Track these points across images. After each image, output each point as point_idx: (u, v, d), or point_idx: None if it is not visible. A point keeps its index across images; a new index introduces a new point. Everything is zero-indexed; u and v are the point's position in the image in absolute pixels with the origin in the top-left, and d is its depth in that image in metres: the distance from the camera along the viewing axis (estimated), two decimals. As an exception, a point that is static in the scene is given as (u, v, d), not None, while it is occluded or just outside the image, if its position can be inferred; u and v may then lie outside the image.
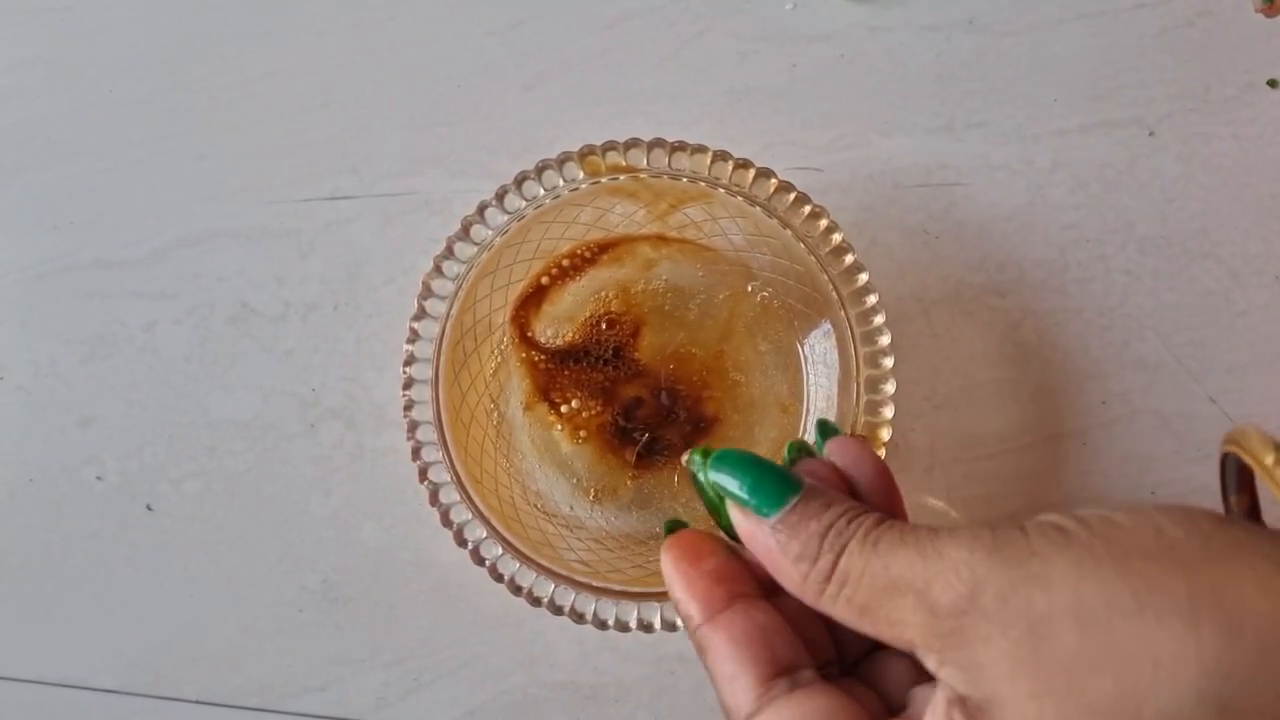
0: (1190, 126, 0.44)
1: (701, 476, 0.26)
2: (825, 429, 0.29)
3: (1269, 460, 0.23)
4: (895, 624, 0.23)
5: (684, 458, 0.27)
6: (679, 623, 0.36)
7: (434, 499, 0.37)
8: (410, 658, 0.42)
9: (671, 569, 0.26)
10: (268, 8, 0.46)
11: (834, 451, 0.28)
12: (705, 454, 0.26)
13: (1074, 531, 0.22)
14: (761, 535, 0.25)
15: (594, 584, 0.36)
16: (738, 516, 0.25)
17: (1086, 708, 0.20)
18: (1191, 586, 0.20)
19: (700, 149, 0.38)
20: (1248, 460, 0.24)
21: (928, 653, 0.23)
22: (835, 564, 0.23)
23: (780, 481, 0.25)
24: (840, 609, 0.24)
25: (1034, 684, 0.21)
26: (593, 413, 0.40)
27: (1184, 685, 0.20)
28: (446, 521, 0.37)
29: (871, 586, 0.23)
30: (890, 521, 0.24)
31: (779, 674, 0.24)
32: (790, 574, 0.24)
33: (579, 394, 0.40)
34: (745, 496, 0.25)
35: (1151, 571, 0.21)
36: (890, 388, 0.37)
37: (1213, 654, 0.20)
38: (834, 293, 0.38)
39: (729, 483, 0.25)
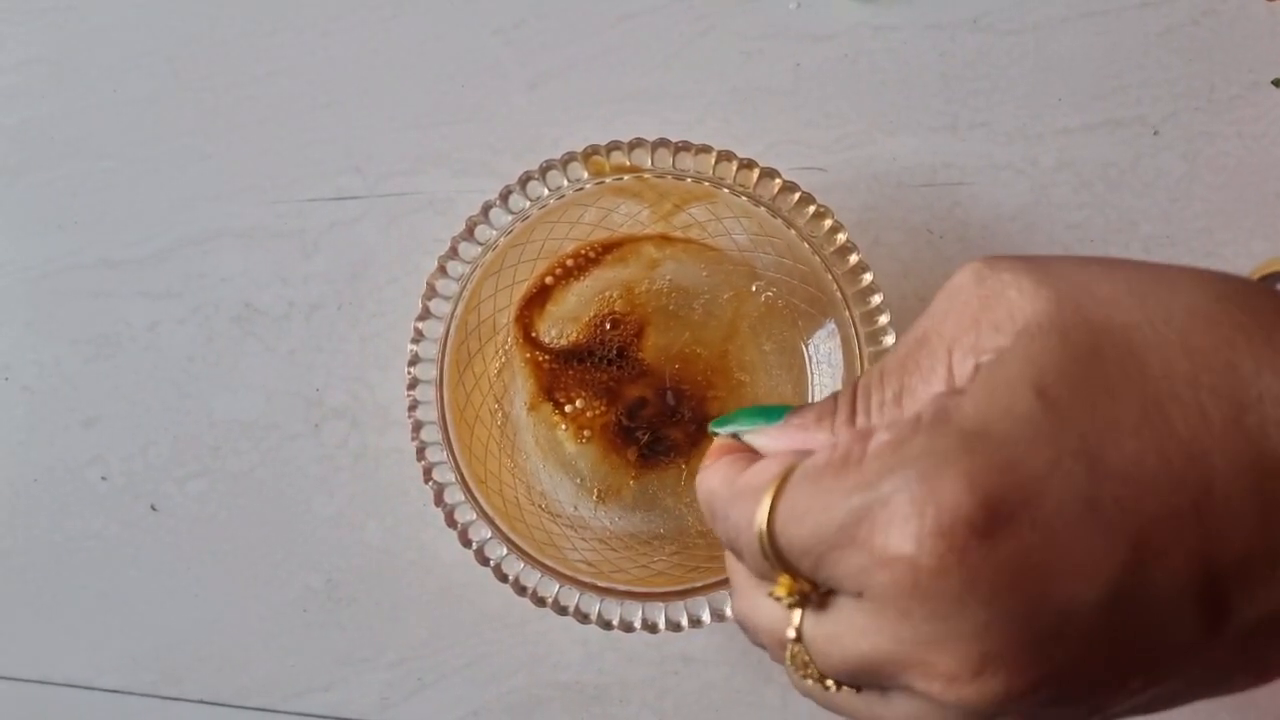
0: (1195, 126, 0.44)
1: (725, 424, 0.27)
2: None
3: None
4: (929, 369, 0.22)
5: (710, 428, 0.27)
6: (684, 622, 0.36)
7: (438, 499, 0.37)
8: (414, 658, 0.42)
9: (711, 459, 0.26)
10: (271, 7, 0.46)
11: None
12: (721, 422, 0.27)
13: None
14: (777, 430, 0.24)
15: (598, 584, 0.36)
16: (758, 440, 0.25)
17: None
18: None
19: (704, 149, 0.38)
20: None
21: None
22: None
23: (775, 409, 0.25)
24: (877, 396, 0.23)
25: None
26: (597, 413, 0.40)
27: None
28: (451, 522, 0.37)
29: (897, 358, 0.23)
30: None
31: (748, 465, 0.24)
32: (819, 435, 0.24)
33: (583, 394, 0.40)
34: (751, 423, 0.25)
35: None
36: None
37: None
38: (838, 293, 0.38)
39: (740, 426, 0.25)
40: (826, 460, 0.21)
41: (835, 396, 0.24)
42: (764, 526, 0.21)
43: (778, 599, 0.21)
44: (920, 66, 0.44)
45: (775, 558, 0.21)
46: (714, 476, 0.24)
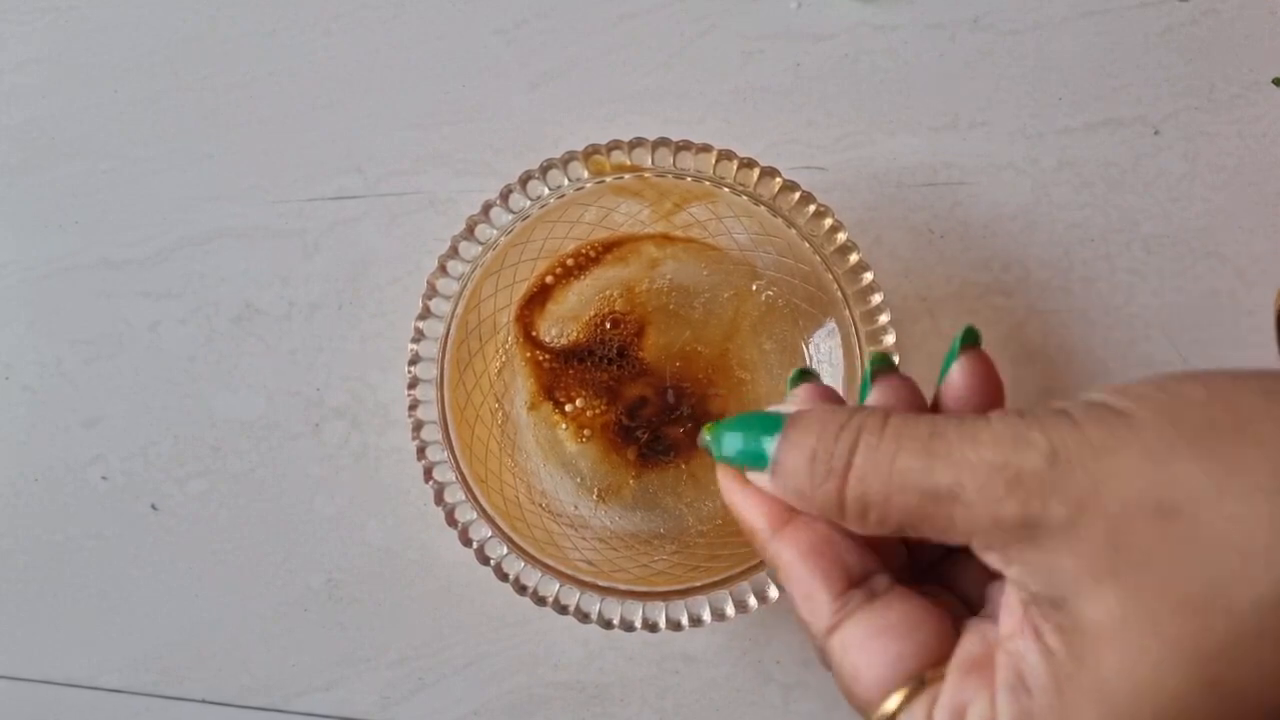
0: (1195, 125, 0.44)
1: (715, 453, 0.26)
2: (964, 342, 0.28)
3: None
4: (943, 531, 0.22)
5: (699, 438, 0.27)
6: (684, 622, 0.36)
7: (439, 499, 0.37)
8: (415, 657, 0.42)
9: (729, 484, 0.26)
10: (272, 7, 0.46)
11: (961, 369, 0.27)
12: (715, 435, 0.26)
13: (1134, 415, 0.20)
14: (773, 487, 0.24)
15: (599, 583, 0.36)
16: (754, 478, 0.25)
17: (1173, 603, 0.19)
18: (1273, 463, 0.19)
19: (705, 148, 0.38)
20: None
21: (988, 551, 0.21)
22: (842, 490, 0.22)
23: (761, 428, 0.24)
24: (875, 529, 0.23)
25: (1116, 583, 0.19)
26: (597, 412, 0.40)
27: (1277, 573, 0.18)
28: (451, 521, 0.37)
29: (902, 507, 0.22)
30: (895, 420, 0.23)
31: (853, 585, 0.23)
32: (815, 507, 0.23)
33: (583, 393, 0.40)
34: (737, 460, 0.25)
35: (1227, 451, 0.19)
36: (895, 387, 0.37)
37: None
38: (838, 292, 0.38)
39: (728, 449, 0.25)
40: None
41: (824, 416, 0.24)
42: None
43: None
44: (921, 66, 0.44)
45: None
46: (754, 517, 0.25)
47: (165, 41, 0.46)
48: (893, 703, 0.22)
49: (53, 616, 0.43)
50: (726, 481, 0.26)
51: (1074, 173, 0.44)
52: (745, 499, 0.25)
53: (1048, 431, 0.21)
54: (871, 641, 0.22)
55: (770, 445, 0.24)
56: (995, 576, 0.24)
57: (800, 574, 0.24)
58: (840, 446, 0.23)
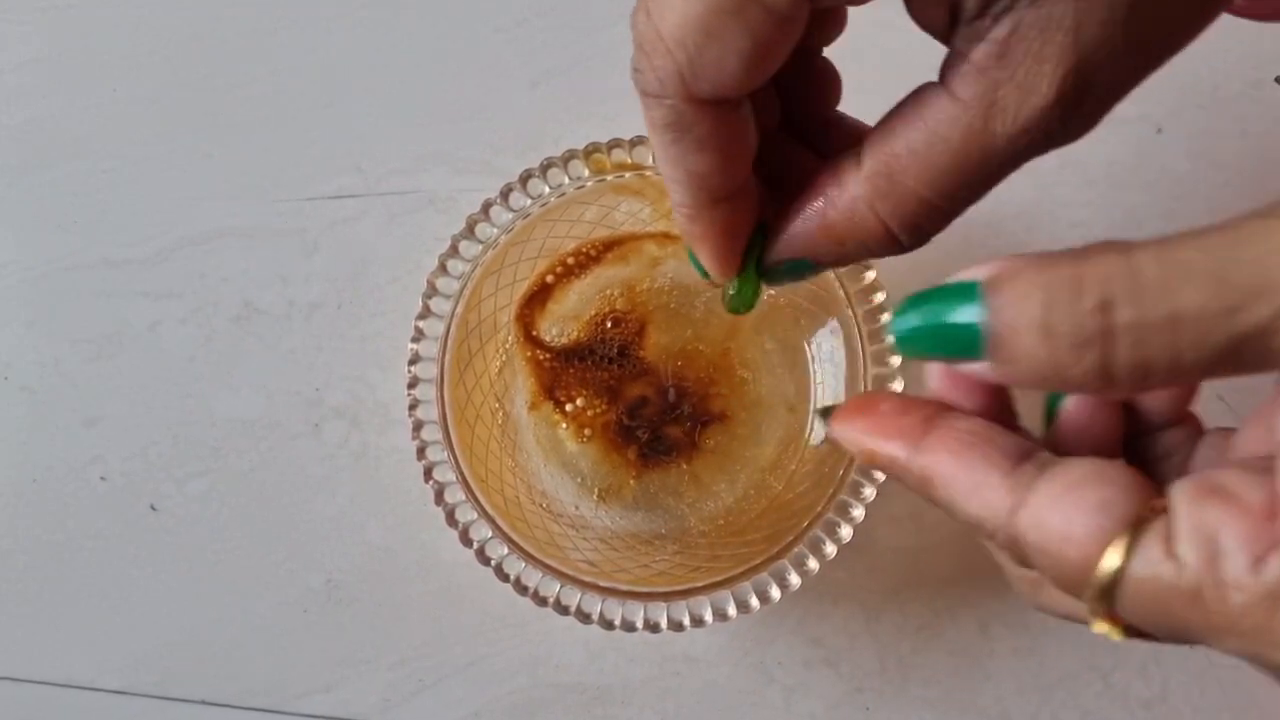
0: (1198, 124, 0.44)
1: (907, 350, 0.21)
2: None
3: None
4: (1259, 366, 0.17)
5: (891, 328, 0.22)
6: (686, 622, 0.35)
7: (439, 499, 0.37)
8: (415, 658, 0.42)
9: (848, 426, 0.23)
10: (272, 7, 0.46)
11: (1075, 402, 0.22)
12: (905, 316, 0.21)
13: None
14: (998, 374, 0.19)
15: (600, 584, 0.36)
16: (968, 369, 0.20)
17: None
18: None
19: (706, 146, 0.37)
20: None
21: None
22: (1109, 359, 0.18)
23: (957, 299, 0.19)
24: (1150, 388, 0.18)
25: None
26: (598, 411, 0.40)
27: None
28: (452, 521, 0.37)
29: (1199, 360, 0.17)
30: (1141, 254, 0.18)
31: (1020, 461, 0.20)
32: (1065, 385, 0.18)
33: (584, 393, 0.40)
34: (933, 348, 0.20)
35: None
36: (898, 386, 0.37)
37: None
38: (840, 290, 0.38)
39: (920, 342, 0.21)
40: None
41: (1042, 271, 0.18)
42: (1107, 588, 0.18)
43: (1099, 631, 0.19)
44: (923, 63, 0.44)
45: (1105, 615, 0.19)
46: (889, 446, 0.21)
47: (165, 41, 0.46)
48: (1116, 552, 0.18)
49: (52, 617, 0.43)
50: (846, 419, 0.23)
51: (1076, 171, 0.43)
52: (874, 427, 0.22)
53: None
54: (1068, 496, 0.19)
55: (980, 320, 0.19)
56: (1191, 445, 0.22)
57: (962, 471, 0.20)
58: (1087, 305, 0.18)
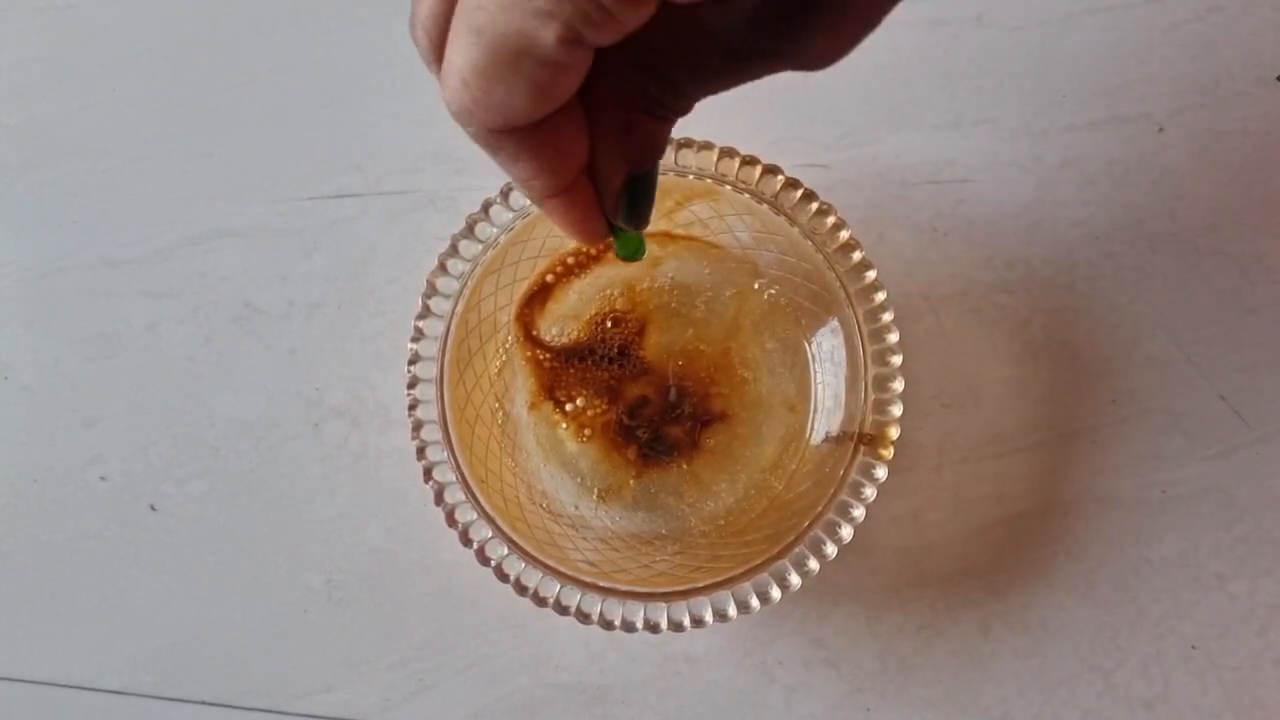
0: (1200, 123, 0.44)
1: None
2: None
3: None
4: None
5: None
6: (686, 623, 0.35)
7: (439, 499, 0.37)
8: (415, 659, 0.42)
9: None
10: (271, 5, 0.46)
11: None
12: None
13: None
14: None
15: (600, 584, 0.36)
16: None
17: None
18: None
19: (707, 145, 0.37)
20: None
21: None
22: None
23: None
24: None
25: None
26: (598, 411, 0.40)
27: None
28: (451, 522, 0.36)
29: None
30: None
31: None
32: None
33: (584, 392, 0.40)
34: None
35: None
36: (898, 386, 0.37)
37: None
38: (841, 290, 0.38)
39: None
40: None
41: None
42: None
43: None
44: (924, 63, 0.44)
45: None
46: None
47: (164, 40, 0.46)
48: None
49: (51, 618, 0.43)
50: None
51: (1078, 170, 0.43)
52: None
53: None
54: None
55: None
56: None
57: None
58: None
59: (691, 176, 0.38)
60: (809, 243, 0.38)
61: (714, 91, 0.24)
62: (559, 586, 0.36)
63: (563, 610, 0.36)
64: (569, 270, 0.41)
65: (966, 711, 0.41)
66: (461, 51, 0.20)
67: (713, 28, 0.22)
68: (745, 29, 0.22)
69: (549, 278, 0.41)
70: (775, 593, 0.35)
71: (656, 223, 0.40)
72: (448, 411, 0.37)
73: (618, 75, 0.22)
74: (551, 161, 0.23)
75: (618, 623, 0.35)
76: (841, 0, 0.21)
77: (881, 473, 0.36)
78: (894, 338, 0.37)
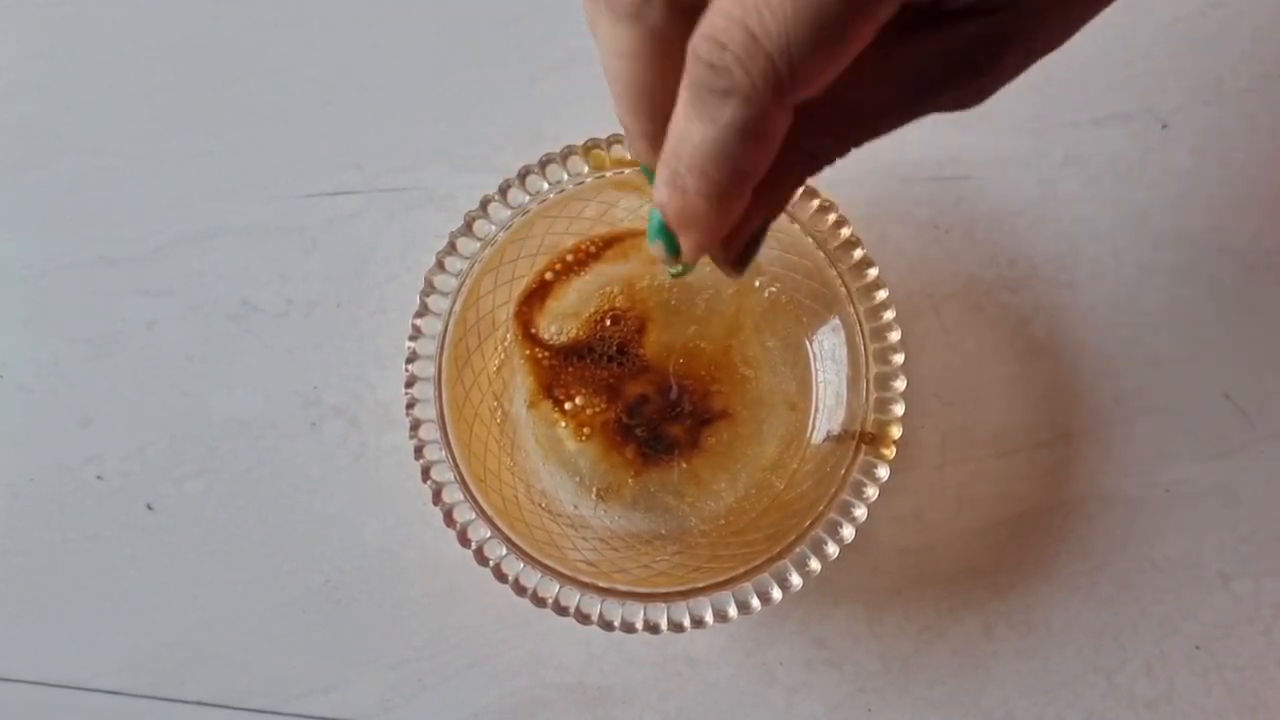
0: (1204, 119, 0.43)
1: None
2: None
3: None
4: None
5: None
6: (686, 623, 0.35)
7: (437, 498, 0.36)
8: (415, 659, 0.42)
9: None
10: (271, 4, 0.45)
11: None
12: None
13: None
14: None
15: (599, 584, 0.36)
16: None
17: None
18: None
19: (706, 142, 0.37)
20: None
21: None
22: None
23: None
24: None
25: None
26: (597, 410, 0.40)
27: None
28: (450, 521, 0.36)
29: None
30: None
31: None
32: None
33: (583, 391, 0.40)
34: None
35: None
36: (900, 384, 0.37)
37: None
38: (842, 288, 0.37)
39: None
40: None
41: None
42: None
43: None
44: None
45: None
46: None
47: (163, 38, 0.46)
48: None
49: (48, 617, 0.43)
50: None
51: (1081, 167, 0.43)
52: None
53: None
54: None
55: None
56: None
57: None
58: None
59: (691, 173, 0.37)
60: (810, 240, 0.37)
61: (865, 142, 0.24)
62: (558, 586, 0.35)
63: (562, 611, 0.35)
64: (568, 268, 0.40)
65: (969, 712, 0.41)
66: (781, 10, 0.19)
67: (902, 76, 0.23)
68: (938, 66, 0.22)
69: (548, 275, 0.40)
70: (776, 593, 0.35)
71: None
72: (446, 410, 0.37)
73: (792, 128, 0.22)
74: (762, 163, 0.23)
75: (617, 623, 0.35)
76: (1030, 34, 0.21)
77: (883, 472, 0.36)
78: (895, 336, 0.37)
